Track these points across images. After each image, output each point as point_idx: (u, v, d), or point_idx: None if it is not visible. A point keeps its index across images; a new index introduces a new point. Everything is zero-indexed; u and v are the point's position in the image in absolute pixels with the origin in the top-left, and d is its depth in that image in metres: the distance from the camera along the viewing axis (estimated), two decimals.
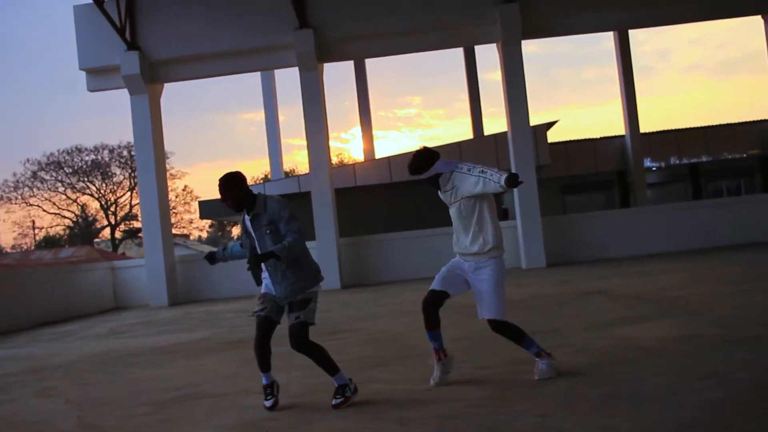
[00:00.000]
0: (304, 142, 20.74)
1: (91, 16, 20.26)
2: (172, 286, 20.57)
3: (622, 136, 34.46)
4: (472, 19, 20.06)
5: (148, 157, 20.64)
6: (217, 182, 5.96)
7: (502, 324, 6.19)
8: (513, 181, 5.82)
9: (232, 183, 5.97)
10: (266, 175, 45.94)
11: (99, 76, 21.12)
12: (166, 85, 21.55)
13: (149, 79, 20.53)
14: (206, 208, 35.05)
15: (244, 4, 20.35)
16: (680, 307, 9.65)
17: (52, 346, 12.61)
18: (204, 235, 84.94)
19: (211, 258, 6.59)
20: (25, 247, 65.17)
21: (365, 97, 35.50)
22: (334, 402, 5.82)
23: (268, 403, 5.98)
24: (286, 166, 62.21)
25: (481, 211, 6.27)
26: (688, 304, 9.84)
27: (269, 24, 20.21)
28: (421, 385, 6.31)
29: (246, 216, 6.09)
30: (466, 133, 39.75)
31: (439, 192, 6.48)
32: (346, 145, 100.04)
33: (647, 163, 35.22)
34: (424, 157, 6.33)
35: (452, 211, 6.40)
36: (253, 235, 6.04)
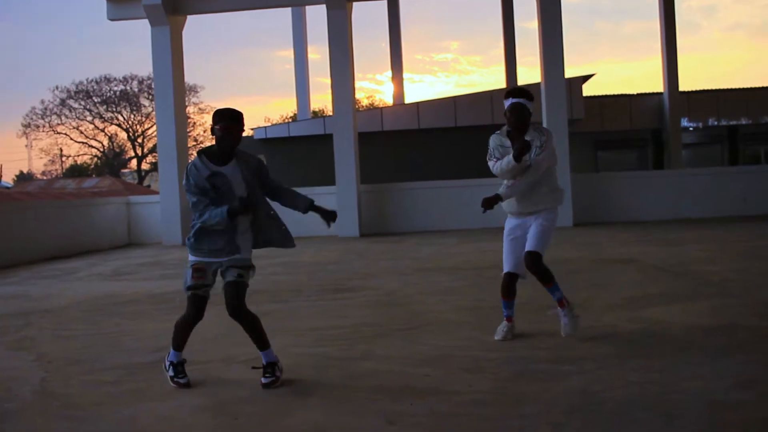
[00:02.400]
0: None
1: None
2: (186, 224, 19.95)
3: (660, 94, 33.28)
4: None
5: (167, 90, 19.89)
6: (219, 110, 5.31)
7: (539, 259, 6.30)
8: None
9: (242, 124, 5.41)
10: (294, 115, 45.16)
11: (120, 5, 20.37)
12: (199, 16, 20.78)
13: (171, 10, 19.71)
14: None
15: None
16: (714, 285, 8.90)
17: (51, 285, 12.10)
18: None
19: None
20: (53, 174, 65.21)
21: (397, 38, 34.53)
22: (264, 381, 5.29)
23: (182, 380, 5.41)
24: (317, 105, 61.46)
25: (552, 171, 6.48)
26: (722, 282, 9.07)
27: None
28: (420, 369, 5.63)
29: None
30: (500, 81, 38.74)
31: (501, 142, 6.45)
32: (381, 87, 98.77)
33: (684, 122, 34.06)
34: (531, 92, 6.42)
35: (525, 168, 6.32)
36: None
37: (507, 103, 6.36)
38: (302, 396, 5.07)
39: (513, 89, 6.50)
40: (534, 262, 6.30)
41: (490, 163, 6.46)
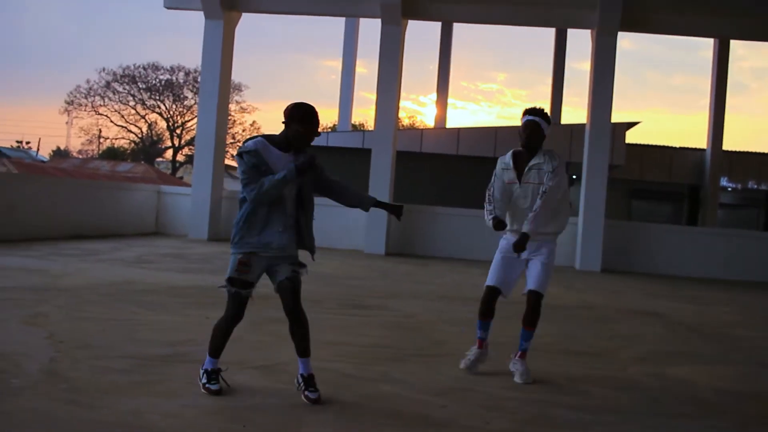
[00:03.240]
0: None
1: None
2: (214, 220, 19.95)
3: (703, 150, 32.90)
4: (571, 0, 18.92)
5: (213, 84, 19.90)
6: (307, 110, 5.10)
7: (539, 300, 6.23)
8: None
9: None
10: (333, 125, 45.19)
11: None
12: (251, 16, 20.83)
13: (227, 6, 19.75)
14: None
15: None
16: (743, 351, 8.64)
17: (71, 263, 12.04)
18: None
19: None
20: (90, 154, 65.67)
21: (446, 62, 34.43)
22: (312, 396, 5.04)
23: (213, 387, 5.13)
24: (357, 119, 61.53)
25: (562, 198, 6.28)
26: (752, 349, 8.81)
27: None
28: (437, 398, 5.44)
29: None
30: None
31: (506, 166, 6.32)
32: (423, 109, 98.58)
33: (723, 182, 33.66)
34: (548, 116, 6.34)
35: (524, 190, 6.24)
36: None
37: (523, 120, 6.26)
38: (315, 411, 4.89)
39: (531, 108, 6.36)
40: (537, 302, 6.22)
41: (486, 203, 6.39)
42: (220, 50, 19.79)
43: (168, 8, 20.75)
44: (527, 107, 6.34)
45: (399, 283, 13.07)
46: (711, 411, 5.73)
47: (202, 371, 5.19)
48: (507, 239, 6.41)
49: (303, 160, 4.97)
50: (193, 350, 6.38)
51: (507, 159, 6.34)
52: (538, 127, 6.17)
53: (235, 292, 5.15)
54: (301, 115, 5.04)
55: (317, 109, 5.15)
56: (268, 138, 5.15)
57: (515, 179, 6.25)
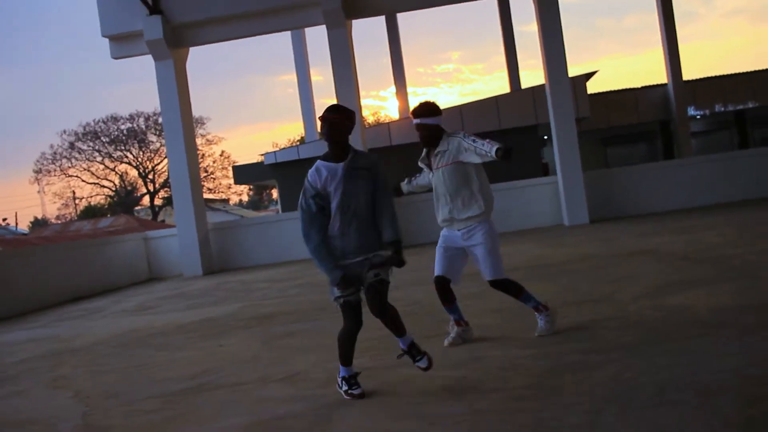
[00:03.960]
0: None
1: None
2: (205, 255, 20.13)
3: (664, 85, 33.26)
4: None
5: (176, 123, 20.06)
6: (328, 107, 5.31)
7: (502, 282, 6.47)
8: (506, 154, 5.85)
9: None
10: (301, 137, 45.34)
11: (122, 43, 20.53)
12: (198, 48, 20.99)
13: (173, 44, 19.90)
14: (241, 173, 34.72)
15: None
16: (737, 269, 8.91)
17: (77, 325, 12.21)
18: (245, 198, 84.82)
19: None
20: (68, 217, 65.60)
21: (398, 53, 34.66)
22: (422, 364, 5.36)
23: (356, 392, 5.28)
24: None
25: (475, 175, 6.41)
26: (743, 265, 9.08)
27: None
28: (456, 371, 5.69)
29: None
30: (504, 87, 38.78)
31: (425, 154, 6.61)
32: (385, 103, 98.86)
33: (691, 111, 33.99)
34: (435, 106, 6.47)
35: (437, 176, 6.50)
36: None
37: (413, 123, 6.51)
38: (342, 406, 5.13)
39: (414, 108, 6.53)
40: (499, 286, 6.51)
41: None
42: (176, 89, 19.93)
43: (116, 58, 20.88)
44: (412, 108, 6.56)
45: (397, 274, 13.24)
46: (712, 328, 5.99)
47: (339, 380, 5.37)
48: (443, 233, 6.73)
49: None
50: (213, 378, 6.60)
51: (423, 155, 6.67)
52: (425, 126, 6.40)
53: (344, 301, 5.31)
54: (330, 107, 5.30)
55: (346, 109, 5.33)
56: (324, 156, 5.40)
57: (429, 167, 6.61)
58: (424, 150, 6.62)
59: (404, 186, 7.01)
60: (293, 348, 7.61)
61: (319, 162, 5.38)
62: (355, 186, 5.26)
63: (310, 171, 5.35)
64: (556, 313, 6.63)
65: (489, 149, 5.96)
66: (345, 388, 5.32)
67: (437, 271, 6.60)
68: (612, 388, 4.71)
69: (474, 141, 6.14)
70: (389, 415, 4.81)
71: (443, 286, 6.60)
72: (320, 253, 5.27)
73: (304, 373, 6.30)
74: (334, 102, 19.62)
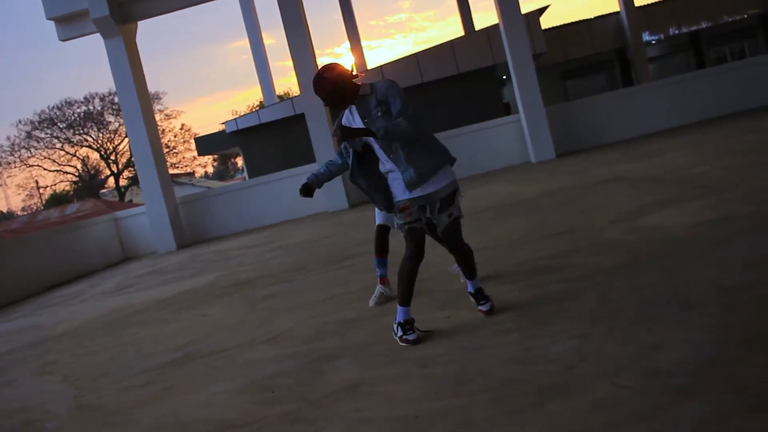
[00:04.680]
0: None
1: None
2: (177, 229, 20.03)
3: (617, 13, 33.31)
4: None
5: (133, 100, 19.78)
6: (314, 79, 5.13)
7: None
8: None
9: (324, 82, 5.08)
10: (260, 102, 44.99)
11: (68, 24, 20.13)
12: (148, 23, 20.66)
13: (121, 20, 19.55)
14: (203, 144, 34.46)
15: None
16: (703, 186, 9.00)
17: (57, 311, 12.14)
18: (210, 170, 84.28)
19: (307, 190, 5.81)
20: (34, 208, 64.90)
21: (349, 8, 34.40)
22: (484, 308, 5.36)
23: (411, 337, 5.14)
24: (282, 89, 61.12)
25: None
26: (711, 182, 9.19)
27: None
28: (440, 312, 5.75)
29: (347, 114, 5.26)
30: (458, 31, 38.60)
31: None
32: (340, 60, 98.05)
33: (646, 37, 34.11)
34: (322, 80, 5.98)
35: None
36: (362, 125, 5.13)
37: None
38: (331, 359, 5.17)
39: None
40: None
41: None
42: (128, 65, 19.63)
43: (63, 40, 20.53)
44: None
45: (369, 229, 13.21)
46: (687, 244, 6.08)
47: (395, 326, 5.23)
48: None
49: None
50: (201, 347, 6.62)
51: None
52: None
53: (408, 228, 5.13)
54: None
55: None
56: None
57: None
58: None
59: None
60: (275, 310, 7.64)
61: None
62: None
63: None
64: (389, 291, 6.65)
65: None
66: (399, 333, 5.18)
67: (378, 220, 6.64)
68: (596, 312, 4.79)
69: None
70: (380, 362, 4.85)
71: (384, 232, 6.66)
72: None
73: (288, 332, 6.33)
74: (291, 64, 19.47)
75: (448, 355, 4.65)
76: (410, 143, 5.07)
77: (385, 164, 5.20)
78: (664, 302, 4.65)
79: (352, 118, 5.20)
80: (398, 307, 5.26)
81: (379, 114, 5.03)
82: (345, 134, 5.02)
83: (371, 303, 6.64)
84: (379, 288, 6.69)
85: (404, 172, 5.08)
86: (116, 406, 5.33)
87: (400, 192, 5.15)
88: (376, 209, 6.55)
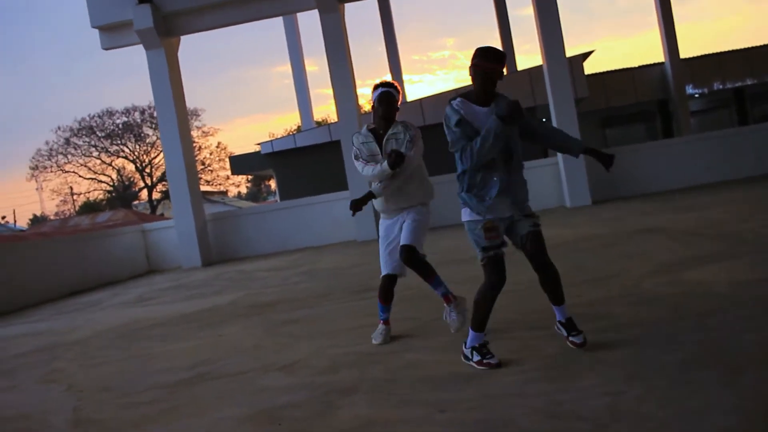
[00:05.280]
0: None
1: None
2: (204, 246, 19.87)
3: (662, 64, 32.98)
4: None
5: (170, 113, 19.76)
6: (489, 47, 4.89)
7: (415, 255, 6.12)
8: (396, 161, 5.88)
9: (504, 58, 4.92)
10: (298, 127, 45.04)
11: (112, 33, 20.21)
12: (193, 41, 20.73)
13: (164, 33, 19.59)
14: (238, 164, 34.48)
15: None
16: (748, 243, 8.65)
17: (75, 318, 11.96)
18: (243, 190, 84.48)
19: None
20: (67, 213, 65.33)
21: (393, 41, 34.41)
22: (577, 340, 4.99)
23: (492, 361, 4.92)
24: (320, 116, 61.29)
25: (419, 166, 6.36)
26: (756, 238, 8.83)
27: None
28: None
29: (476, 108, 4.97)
30: None
31: (371, 138, 6.33)
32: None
33: (689, 90, 33.72)
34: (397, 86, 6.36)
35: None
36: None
37: (375, 94, 6.25)
38: (346, 393, 4.87)
39: (382, 81, 6.34)
40: (409, 256, 6.15)
41: (358, 165, 6.24)
42: (168, 78, 19.63)
43: (106, 49, 20.58)
44: (377, 82, 6.33)
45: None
46: (731, 303, 5.74)
47: (468, 351, 5.03)
48: (383, 223, 6.50)
49: (505, 106, 4.76)
50: (214, 368, 6.36)
51: (364, 133, 6.36)
52: (392, 97, 6.20)
53: (493, 254, 4.92)
54: (483, 52, 4.89)
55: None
56: (466, 96, 5.03)
57: (377, 152, 6.24)
58: (361, 136, 6.34)
59: (376, 187, 6.24)
60: (294, 336, 7.37)
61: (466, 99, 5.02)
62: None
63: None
64: (464, 300, 6.20)
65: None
66: (477, 358, 4.95)
67: (385, 270, 6.37)
68: (632, 369, 4.46)
69: (410, 151, 6.10)
70: (396, 401, 4.55)
71: (390, 284, 6.40)
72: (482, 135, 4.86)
73: (305, 361, 6.05)
74: (330, 92, 19.33)
75: (469, 401, 4.34)
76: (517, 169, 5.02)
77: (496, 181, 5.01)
78: (707, 364, 4.32)
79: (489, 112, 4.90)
80: (470, 332, 5.04)
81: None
82: (514, 112, 4.75)
83: (375, 340, 6.33)
84: (383, 328, 6.43)
85: (516, 191, 5.03)
86: (115, 423, 5.07)
87: (499, 209, 4.99)
88: (381, 259, 6.39)
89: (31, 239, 27.96)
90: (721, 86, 34.56)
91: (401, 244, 6.17)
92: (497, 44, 34.17)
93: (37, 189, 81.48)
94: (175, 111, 19.70)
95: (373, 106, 6.25)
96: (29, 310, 14.31)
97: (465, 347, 5.07)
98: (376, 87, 6.27)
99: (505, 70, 5.06)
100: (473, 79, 4.95)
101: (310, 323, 7.95)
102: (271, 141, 30.42)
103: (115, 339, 8.96)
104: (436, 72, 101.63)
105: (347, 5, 20.04)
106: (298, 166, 28.57)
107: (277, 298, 10.48)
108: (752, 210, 11.89)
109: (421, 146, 6.19)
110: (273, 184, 68.92)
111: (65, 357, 8.20)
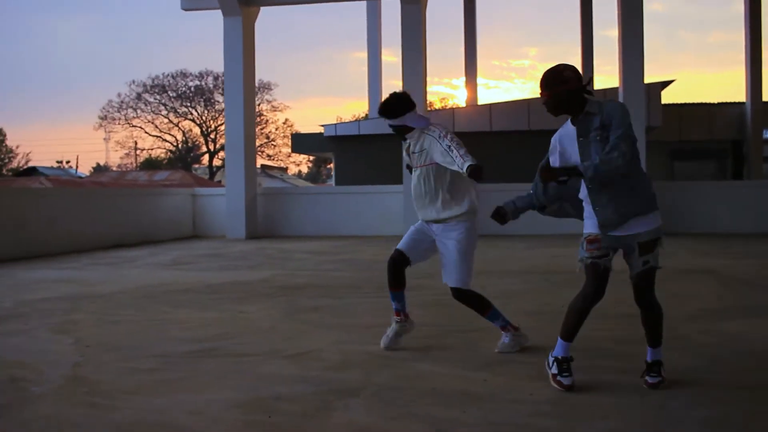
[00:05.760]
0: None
1: None
2: (251, 219, 19.81)
3: (742, 104, 32.05)
4: None
5: (237, 82, 19.72)
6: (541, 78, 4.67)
7: (465, 293, 5.73)
8: (476, 173, 5.23)
9: (561, 78, 4.60)
10: (365, 114, 44.94)
11: None
12: (271, 11, 20.55)
13: (244, 1, 19.54)
14: (299, 142, 34.46)
15: None
16: None
17: (108, 271, 11.93)
18: (304, 170, 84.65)
19: (500, 215, 5.33)
20: (129, 167, 66.22)
21: (473, 42, 33.92)
22: (651, 380, 4.69)
23: (566, 381, 4.67)
24: None
25: (453, 176, 5.67)
26: None
27: None
28: (478, 373, 5.15)
29: (570, 127, 4.72)
30: None
31: (405, 150, 5.91)
32: (456, 92, 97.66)
33: (767, 134, 32.75)
34: (399, 102, 5.75)
35: (416, 175, 5.82)
36: (576, 145, 4.65)
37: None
38: (346, 395, 4.61)
39: (379, 108, 5.88)
40: (461, 298, 5.78)
41: (456, 151, 5.48)
42: (242, 47, 19.58)
43: (186, 10, 20.63)
44: (379, 107, 5.89)
45: (437, 262, 12.76)
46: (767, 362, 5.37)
47: (551, 358, 4.79)
48: (420, 224, 5.98)
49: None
50: (223, 345, 6.19)
51: (406, 144, 5.89)
52: (391, 126, 5.80)
53: (591, 262, 4.70)
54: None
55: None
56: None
57: (411, 164, 5.90)
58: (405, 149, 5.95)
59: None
60: (312, 323, 7.17)
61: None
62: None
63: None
64: (526, 337, 5.85)
65: (461, 163, 5.33)
66: (554, 371, 4.71)
67: (399, 245, 5.90)
68: (652, 419, 4.14)
69: (450, 147, 5.47)
70: (394, 413, 4.28)
71: (398, 264, 5.85)
72: None
73: (315, 353, 5.82)
74: (401, 84, 19.07)
75: (472, 425, 4.06)
76: (616, 184, 4.57)
77: (582, 191, 4.78)
78: (738, 426, 3.99)
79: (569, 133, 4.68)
80: (559, 339, 4.80)
81: (597, 138, 4.52)
82: (545, 176, 4.61)
83: (383, 343, 5.88)
84: (394, 324, 5.94)
85: (600, 210, 4.63)
86: (109, 387, 4.90)
87: (591, 225, 4.73)
88: (403, 237, 5.97)
89: (85, 186, 28.28)
90: None
91: (449, 284, 5.76)
92: (577, 61, 33.60)
93: (105, 140, 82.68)
94: (243, 80, 19.66)
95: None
96: (67, 257, 14.37)
97: (551, 353, 4.81)
98: (379, 114, 5.91)
99: (589, 84, 4.74)
100: None
101: (331, 313, 7.74)
102: (335, 124, 30.24)
103: (139, 299, 8.86)
104: (514, 80, 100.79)
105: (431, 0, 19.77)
106: (358, 153, 28.35)
107: (307, 281, 10.30)
108: None
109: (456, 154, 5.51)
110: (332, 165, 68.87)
111: (85, 309, 8.12)
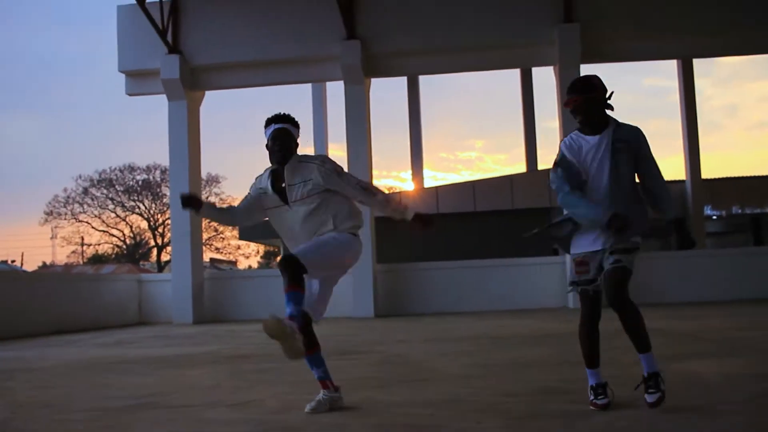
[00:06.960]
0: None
1: (133, 17, 19.42)
2: (198, 304, 19.44)
3: (682, 182, 32.81)
4: (530, 39, 18.79)
5: (182, 165, 19.55)
6: (571, 85, 4.79)
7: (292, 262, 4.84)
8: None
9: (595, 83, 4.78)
10: None
11: (138, 80, 20.25)
12: (220, 100, 20.72)
13: (189, 86, 19.59)
14: (246, 229, 34.25)
15: (290, 12, 19.37)
16: (746, 346, 8.25)
17: (48, 351, 11.57)
18: (254, 264, 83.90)
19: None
20: (75, 264, 65.15)
21: (417, 132, 34.13)
22: (649, 399, 4.61)
23: (601, 402, 4.75)
24: None
25: (338, 202, 5.22)
26: (758, 344, 8.44)
27: (315, 33, 19.18)
28: (425, 409, 5.02)
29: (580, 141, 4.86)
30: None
31: (269, 183, 5.25)
32: (403, 185, 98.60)
33: (707, 211, 33.43)
34: (295, 122, 5.25)
35: (292, 213, 5.15)
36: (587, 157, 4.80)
37: (269, 131, 5.18)
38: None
39: (275, 115, 5.23)
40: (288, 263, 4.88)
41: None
42: (186, 131, 19.49)
43: (130, 95, 20.64)
44: (270, 116, 5.23)
45: (388, 333, 12.66)
46: (724, 393, 5.34)
47: (589, 389, 4.89)
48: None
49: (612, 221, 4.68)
50: (161, 400, 5.97)
51: (264, 181, 5.32)
52: (289, 134, 5.17)
53: (581, 289, 4.84)
54: (568, 87, 4.81)
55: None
56: (580, 129, 4.86)
57: (279, 202, 5.22)
58: (260, 186, 5.36)
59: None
60: (259, 381, 6.99)
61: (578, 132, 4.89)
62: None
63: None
64: (341, 400, 5.16)
65: (402, 211, 5.28)
66: (591, 398, 4.80)
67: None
68: None
69: (360, 184, 5.21)
70: None
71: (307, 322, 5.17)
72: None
73: (259, 401, 5.66)
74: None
75: None
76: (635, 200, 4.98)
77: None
78: None
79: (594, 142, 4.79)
80: (587, 370, 4.93)
81: (619, 147, 4.75)
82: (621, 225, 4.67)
83: (308, 408, 5.02)
84: (321, 393, 5.15)
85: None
86: None
87: (580, 245, 4.82)
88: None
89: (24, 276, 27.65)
90: (740, 211, 34.26)
91: (294, 253, 4.95)
92: (521, 152, 34.14)
93: (52, 238, 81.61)
94: (188, 164, 19.50)
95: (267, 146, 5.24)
96: (8, 342, 13.93)
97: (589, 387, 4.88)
98: (270, 121, 5.20)
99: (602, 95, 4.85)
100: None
101: (279, 374, 7.55)
102: None
103: (79, 370, 8.59)
104: (461, 172, 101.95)
105: (374, 87, 20.04)
106: None
107: (255, 351, 10.09)
108: (760, 323, 11.50)
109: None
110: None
111: (21, 378, 7.86)
